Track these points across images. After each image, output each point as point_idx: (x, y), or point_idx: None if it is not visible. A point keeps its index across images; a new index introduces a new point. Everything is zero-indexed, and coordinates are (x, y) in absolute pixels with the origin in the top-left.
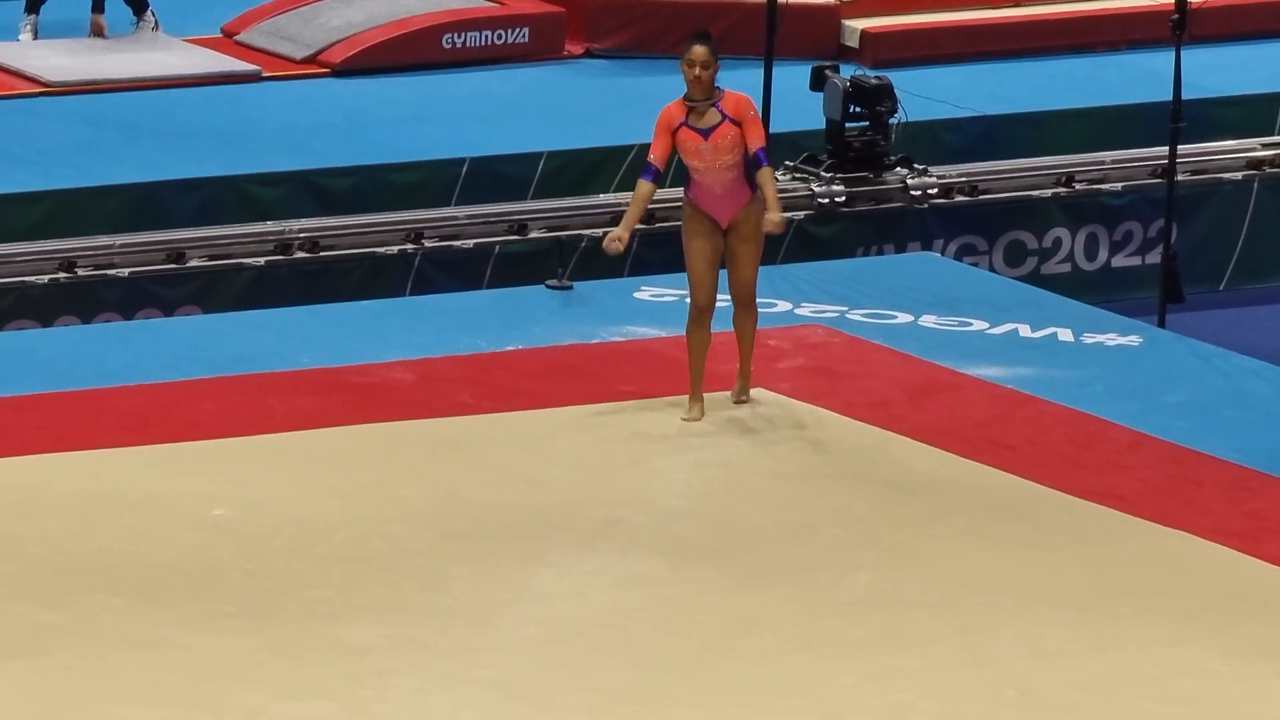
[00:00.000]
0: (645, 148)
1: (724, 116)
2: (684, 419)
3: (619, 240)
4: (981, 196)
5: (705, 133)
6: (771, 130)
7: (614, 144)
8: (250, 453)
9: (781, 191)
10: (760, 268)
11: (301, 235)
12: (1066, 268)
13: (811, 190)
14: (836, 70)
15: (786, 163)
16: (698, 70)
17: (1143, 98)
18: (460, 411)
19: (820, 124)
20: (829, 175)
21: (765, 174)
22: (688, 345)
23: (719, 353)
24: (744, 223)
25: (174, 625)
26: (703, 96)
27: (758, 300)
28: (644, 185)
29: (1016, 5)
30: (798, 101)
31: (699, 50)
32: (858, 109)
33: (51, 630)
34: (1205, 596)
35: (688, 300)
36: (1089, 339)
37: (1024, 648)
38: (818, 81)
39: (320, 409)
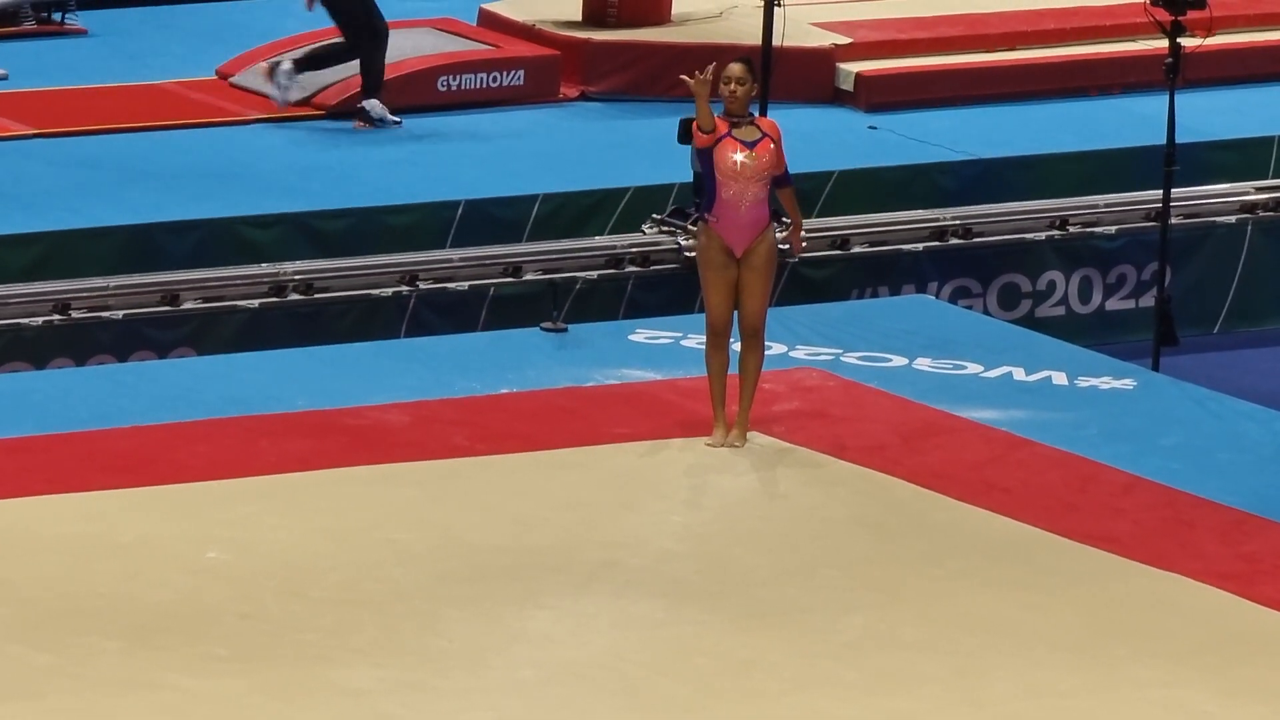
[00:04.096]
0: (641, 190)
1: (763, 133)
2: (708, 444)
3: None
4: (975, 239)
5: (750, 145)
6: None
7: (609, 187)
8: (244, 495)
9: (653, 245)
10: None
11: (296, 277)
12: (1060, 311)
13: (679, 244)
14: None
15: (654, 215)
16: (733, 86)
17: (1136, 141)
18: (455, 454)
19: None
20: (696, 229)
21: (790, 194)
22: (708, 371)
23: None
24: (756, 253)
25: (168, 668)
26: (740, 112)
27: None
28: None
29: (1011, 49)
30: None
31: (735, 67)
32: None
33: (45, 673)
34: (1200, 639)
35: (683, 343)
36: (1083, 382)
37: (1020, 689)
38: (685, 134)
39: (314, 451)
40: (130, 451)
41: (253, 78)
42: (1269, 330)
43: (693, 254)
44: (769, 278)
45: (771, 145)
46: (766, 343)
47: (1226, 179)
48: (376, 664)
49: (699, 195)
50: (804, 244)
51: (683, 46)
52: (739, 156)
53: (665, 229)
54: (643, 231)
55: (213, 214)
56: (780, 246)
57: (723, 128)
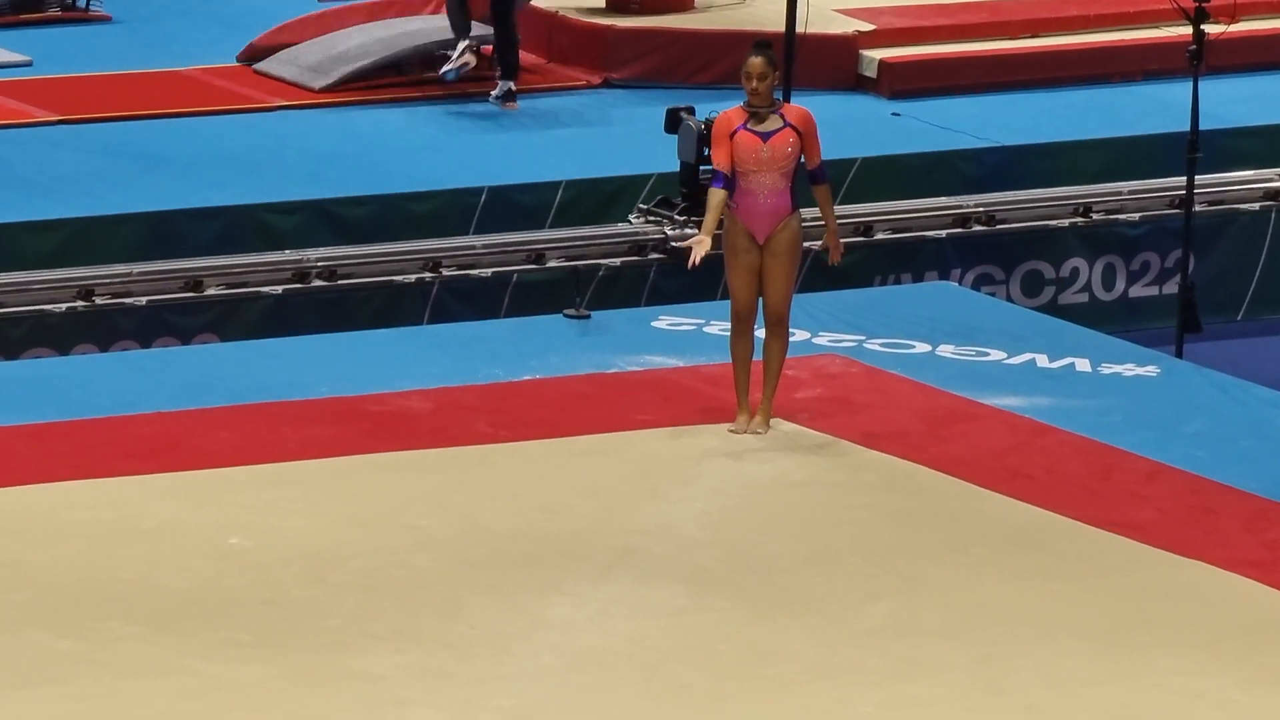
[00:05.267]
0: (662, 177)
1: (786, 123)
2: (731, 430)
3: (702, 244)
4: (999, 226)
5: (765, 136)
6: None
7: (631, 173)
8: (266, 481)
9: (636, 234)
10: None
11: (319, 264)
12: (1084, 298)
13: (665, 233)
14: (692, 113)
15: (640, 205)
16: (755, 83)
17: (1160, 128)
18: (477, 440)
19: (674, 166)
20: (683, 219)
21: (824, 192)
22: (732, 356)
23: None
24: (778, 240)
25: (190, 654)
26: (763, 105)
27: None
28: (717, 192)
29: (1034, 36)
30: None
31: (755, 62)
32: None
33: (67, 658)
34: (1224, 626)
35: (706, 330)
36: (1107, 369)
37: (1043, 677)
38: (672, 124)
39: (337, 438)
40: (153, 437)
41: (277, 64)
42: None
43: (678, 244)
44: (792, 265)
45: (793, 135)
46: (790, 329)
47: (1250, 166)
48: (398, 650)
49: (685, 185)
50: (842, 249)
51: (706, 33)
52: (755, 149)
53: (651, 219)
54: (629, 221)
55: (236, 201)
56: (807, 244)
57: (738, 119)
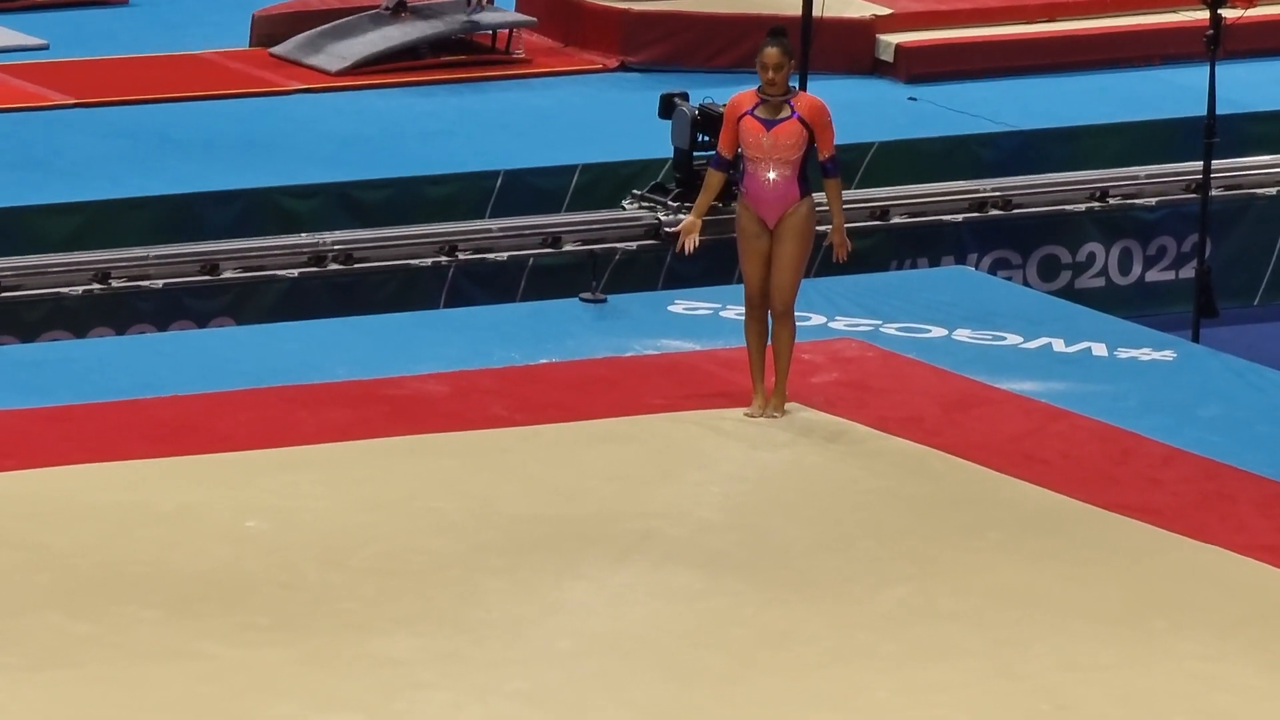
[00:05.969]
0: (676, 162)
1: (794, 114)
2: (746, 414)
3: (692, 229)
4: (1015, 211)
5: (769, 124)
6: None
7: (648, 157)
8: (283, 464)
9: (631, 221)
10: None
11: (335, 247)
12: (1100, 282)
13: (659, 219)
14: (685, 99)
15: (634, 191)
16: (770, 73)
17: (1177, 113)
18: (494, 424)
19: (668, 152)
20: (676, 204)
21: (833, 186)
22: (746, 341)
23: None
24: (786, 225)
25: (207, 637)
26: (777, 94)
27: (795, 312)
28: (713, 175)
29: (1051, 20)
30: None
31: (771, 52)
32: (705, 138)
33: (84, 641)
34: (1240, 612)
35: (722, 314)
36: (1123, 353)
37: (1059, 662)
38: (666, 110)
39: (354, 421)
40: (170, 420)
41: (294, 48)
42: None
43: (671, 229)
44: (799, 251)
45: (799, 128)
46: (806, 314)
47: (1267, 151)
48: (415, 634)
49: (679, 171)
50: (848, 246)
51: (723, 17)
52: (758, 137)
53: (645, 205)
54: (623, 207)
55: (253, 184)
56: (820, 227)
57: (748, 103)
